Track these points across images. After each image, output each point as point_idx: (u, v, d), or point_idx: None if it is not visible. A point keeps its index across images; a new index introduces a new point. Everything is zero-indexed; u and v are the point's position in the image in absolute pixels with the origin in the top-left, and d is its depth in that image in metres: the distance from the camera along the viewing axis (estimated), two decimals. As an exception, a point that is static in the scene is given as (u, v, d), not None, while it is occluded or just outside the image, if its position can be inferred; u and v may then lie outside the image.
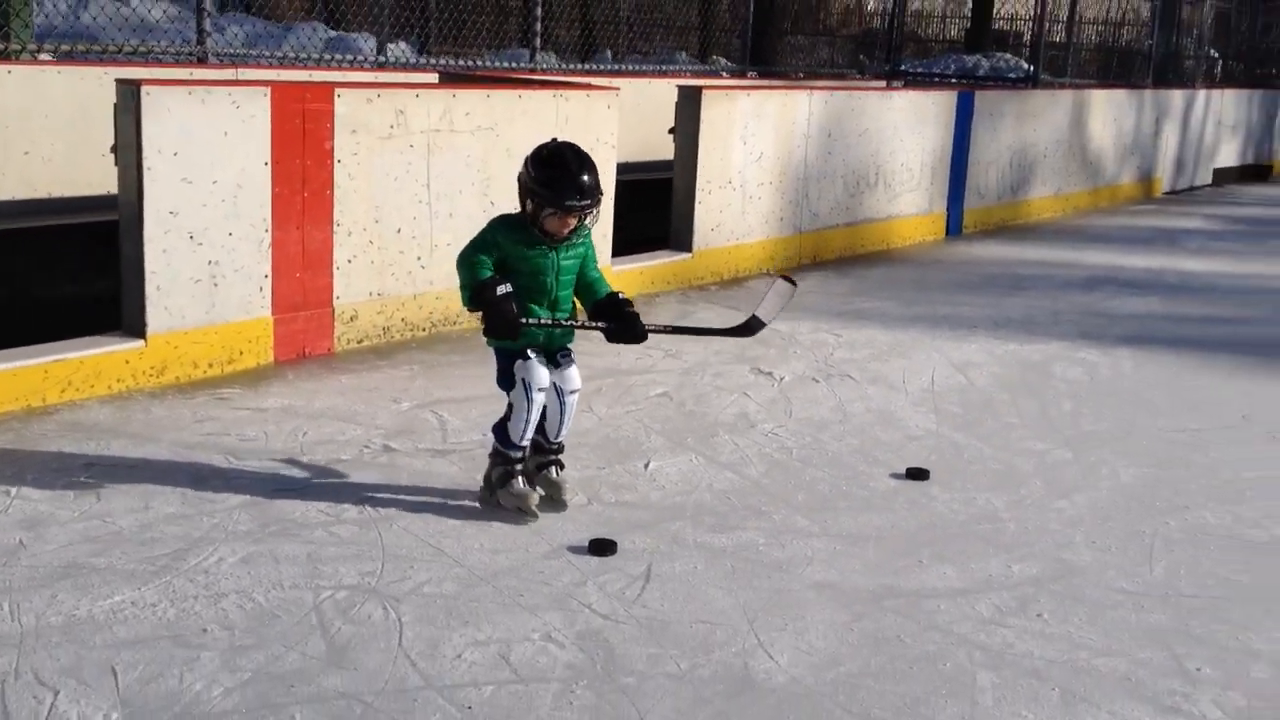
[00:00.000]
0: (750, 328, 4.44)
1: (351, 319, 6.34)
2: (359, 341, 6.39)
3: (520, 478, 4.37)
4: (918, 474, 5.04)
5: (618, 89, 7.70)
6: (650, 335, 4.29)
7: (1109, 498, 4.95)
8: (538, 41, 10.73)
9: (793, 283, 4.44)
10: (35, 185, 6.90)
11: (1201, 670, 3.62)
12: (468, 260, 4.15)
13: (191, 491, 4.42)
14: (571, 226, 4.17)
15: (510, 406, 4.29)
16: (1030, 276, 9.67)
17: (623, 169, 8.15)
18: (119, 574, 3.77)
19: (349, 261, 6.26)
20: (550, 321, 4.22)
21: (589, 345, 6.71)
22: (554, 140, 4.26)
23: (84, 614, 3.52)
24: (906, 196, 10.64)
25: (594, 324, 4.30)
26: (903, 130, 10.39)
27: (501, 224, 4.23)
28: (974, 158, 11.46)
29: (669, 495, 4.70)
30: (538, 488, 4.46)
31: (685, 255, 8.43)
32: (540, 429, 4.38)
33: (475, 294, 4.10)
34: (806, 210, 9.45)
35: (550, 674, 3.39)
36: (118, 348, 5.47)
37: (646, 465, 4.99)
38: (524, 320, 4.13)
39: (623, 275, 7.92)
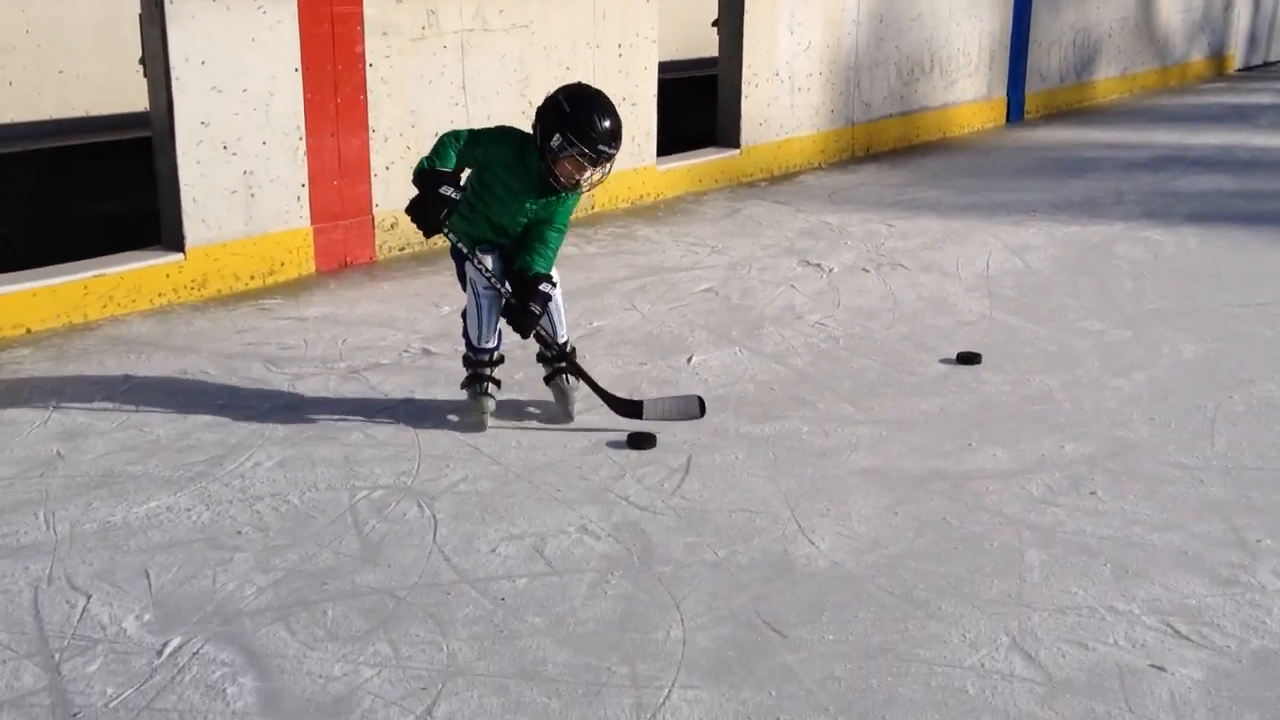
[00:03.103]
0: (634, 410, 4.15)
1: (392, 226, 6.27)
2: (401, 249, 6.33)
3: (483, 383, 4.19)
4: (969, 358, 4.89)
5: (656, -20, 7.50)
6: (534, 334, 4.08)
7: (1169, 374, 4.78)
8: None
9: (702, 412, 4.21)
10: (73, 104, 6.88)
11: (1262, 541, 3.48)
12: (446, 142, 3.96)
13: (230, 400, 4.41)
14: (583, 176, 3.96)
15: (465, 307, 4.18)
16: (1094, 159, 9.36)
17: (666, 67, 7.98)
18: (155, 481, 3.77)
19: (386, 168, 6.18)
20: (476, 264, 4.00)
21: (631, 244, 6.62)
22: (583, 84, 4.06)
23: (119, 520, 3.52)
24: (964, 83, 10.33)
25: (503, 289, 4.03)
26: (958, 13, 10.05)
27: (504, 138, 4.02)
28: (1035, 40, 11.09)
29: (711, 388, 4.60)
30: (556, 396, 4.33)
31: (733, 152, 8.25)
32: (537, 336, 4.19)
33: (424, 177, 3.91)
34: (858, 101, 9.20)
35: (585, 565, 3.33)
36: (157, 261, 5.46)
37: (689, 359, 4.90)
38: (448, 233, 3.97)
39: (669, 174, 7.78)
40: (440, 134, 4.02)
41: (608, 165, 3.97)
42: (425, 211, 3.90)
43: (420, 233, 3.99)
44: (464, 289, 4.17)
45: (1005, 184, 8.38)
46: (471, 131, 4.01)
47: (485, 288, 4.04)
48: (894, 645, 2.97)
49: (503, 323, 4.15)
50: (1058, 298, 5.76)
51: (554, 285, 4.09)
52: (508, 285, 4.03)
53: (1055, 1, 11.28)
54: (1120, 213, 7.52)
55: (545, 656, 2.91)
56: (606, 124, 3.91)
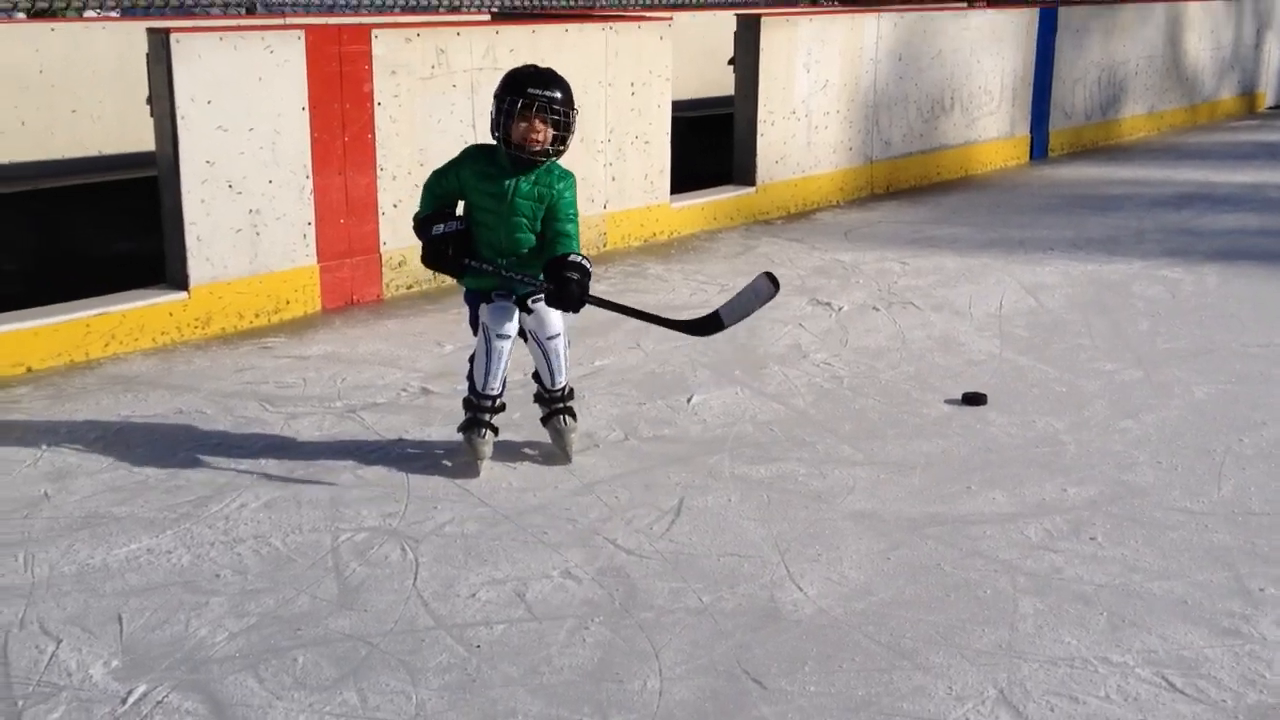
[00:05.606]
0: (707, 326, 3.91)
1: (400, 264, 6.25)
2: (409, 287, 6.31)
3: (481, 429, 4.11)
4: (974, 399, 4.80)
5: (670, 19, 7.48)
6: (596, 306, 3.93)
7: (1179, 416, 4.67)
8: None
9: (775, 284, 3.85)
10: (85, 144, 6.91)
11: (1265, 590, 3.37)
12: (425, 188, 4.04)
13: (222, 439, 4.38)
14: (540, 132, 3.83)
15: (474, 352, 4.12)
16: (1116, 197, 9.25)
17: (684, 105, 7.95)
18: (139, 522, 3.73)
19: (394, 206, 6.16)
20: (491, 269, 3.92)
21: (641, 282, 6.57)
22: None
23: (98, 563, 3.48)
24: (986, 120, 10.26)
25: (537, 283, 3.90)
26: (980, 51, 9.99)
27: (469, 152, 4.02)
28: (1059, 76, 11.00)
29: (710, 429, 4.54)
30: (553, 437, 4.28)
31: (749, 190, 8.20)
32: (535, 378, 4.22)
33: (417, 228, 4.00)
34: (878, 138, 9.14)
35: (566, 611, 3.26)
36: (161, 300, 5.45)
37: (689, 399, 4.83)
38: (467, 262, 3.93)
39: (683, 212, 7.74)
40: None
41: (557, 116, 3.84)
42: (431, 257, 3.95)
43: (447, 275, 4.07)
44: (474, 333, 4.10)
45: (1025, 222, 8.28)
46: (438, 169, 4.04)
47: (497, 337, 3.96)
48: (877, 698, 2.88)
49: (507, 370, 4.10)
50: (1070, 337, 5.66)
51: (588, 260, 3.91)
52: (526, 279, 3.91)
53: (1079, 39, 11.20)
54: (1140, 251, 7.42)
55: (516, 707, 2.84)
56: (532, 70, 3.90)
